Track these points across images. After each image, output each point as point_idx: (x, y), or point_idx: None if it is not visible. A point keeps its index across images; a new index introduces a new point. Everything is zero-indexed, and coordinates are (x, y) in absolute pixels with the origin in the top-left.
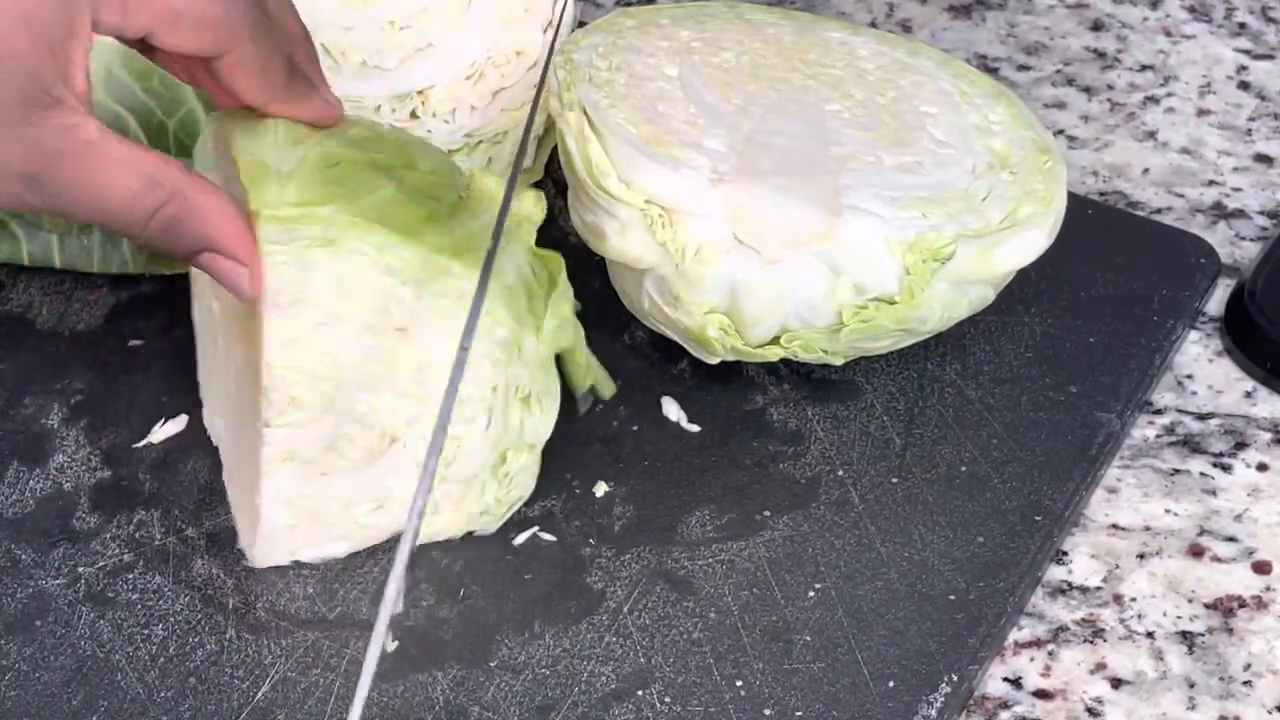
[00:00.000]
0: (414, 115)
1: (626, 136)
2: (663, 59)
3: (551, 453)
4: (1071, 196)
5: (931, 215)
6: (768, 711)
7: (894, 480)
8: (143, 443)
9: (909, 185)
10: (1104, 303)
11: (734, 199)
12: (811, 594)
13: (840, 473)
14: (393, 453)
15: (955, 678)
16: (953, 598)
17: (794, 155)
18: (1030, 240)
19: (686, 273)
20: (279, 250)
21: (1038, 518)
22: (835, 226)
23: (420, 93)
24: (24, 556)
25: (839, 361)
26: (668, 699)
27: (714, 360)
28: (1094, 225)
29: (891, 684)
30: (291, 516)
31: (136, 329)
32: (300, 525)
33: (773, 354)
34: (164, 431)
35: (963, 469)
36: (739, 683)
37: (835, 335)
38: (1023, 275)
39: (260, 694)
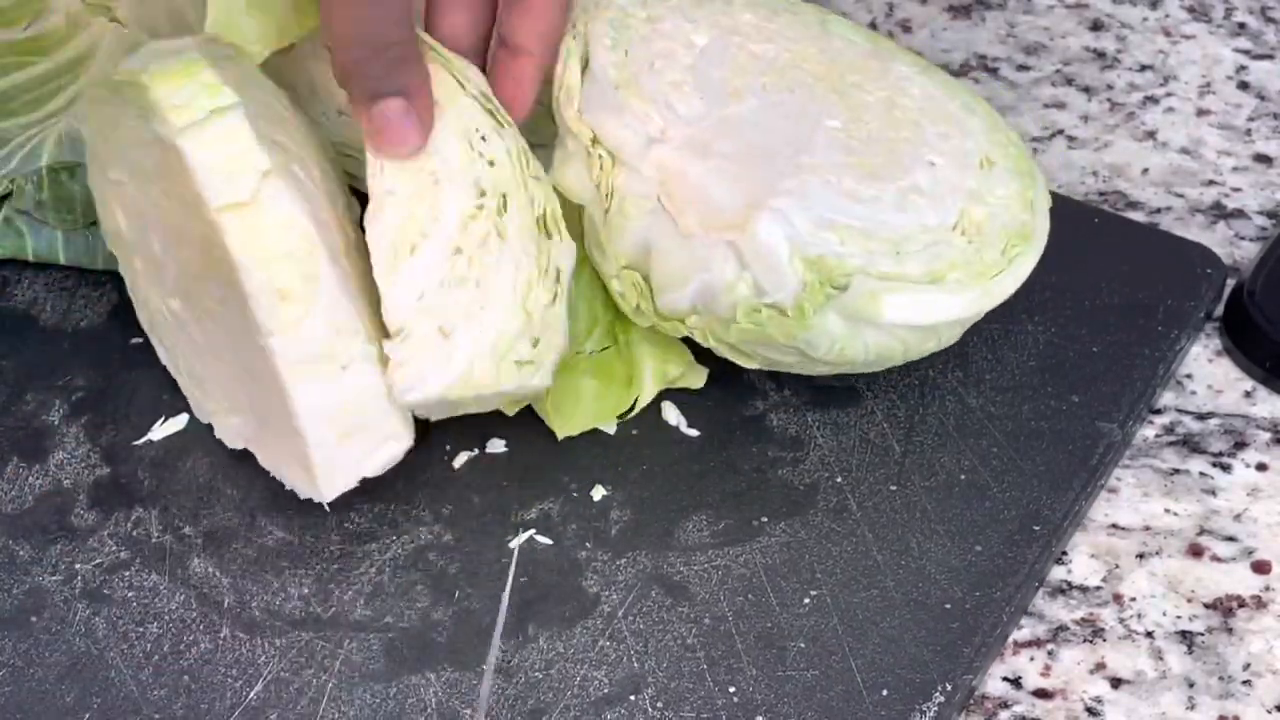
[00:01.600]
0: None
1: (604, 76)
2: (701, 28)
3: (549, 456)
4: (1077, 204)
5: (848, 244)
6: (760, 718)
7: (893, 488)
8: (142, 440)
9: (848, 212)
10: (1108, 312)
11: (667, 163)
12: (807, 601)
13: (839, 479)
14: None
15: (949, 687)
16: (949, 606)
17: (757, 148)
18: (931, 302)
19: (609, 221)
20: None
21: (1036, 527)
22: (749, 221)
23: None
24: (21, 552)
25: (748, 364)
26: (660, 704)
27: (644, 324)
28: (1099, 234)
29: (885, 692)
30: (334, 426)
31: (139, 327)
32: (351, 433)
33: (677, 330)
34: (164, 429)
35: (962, 477)
36: (732, 689)
37: (728, 327)
38: (1026, 283)
39: (253, 693)
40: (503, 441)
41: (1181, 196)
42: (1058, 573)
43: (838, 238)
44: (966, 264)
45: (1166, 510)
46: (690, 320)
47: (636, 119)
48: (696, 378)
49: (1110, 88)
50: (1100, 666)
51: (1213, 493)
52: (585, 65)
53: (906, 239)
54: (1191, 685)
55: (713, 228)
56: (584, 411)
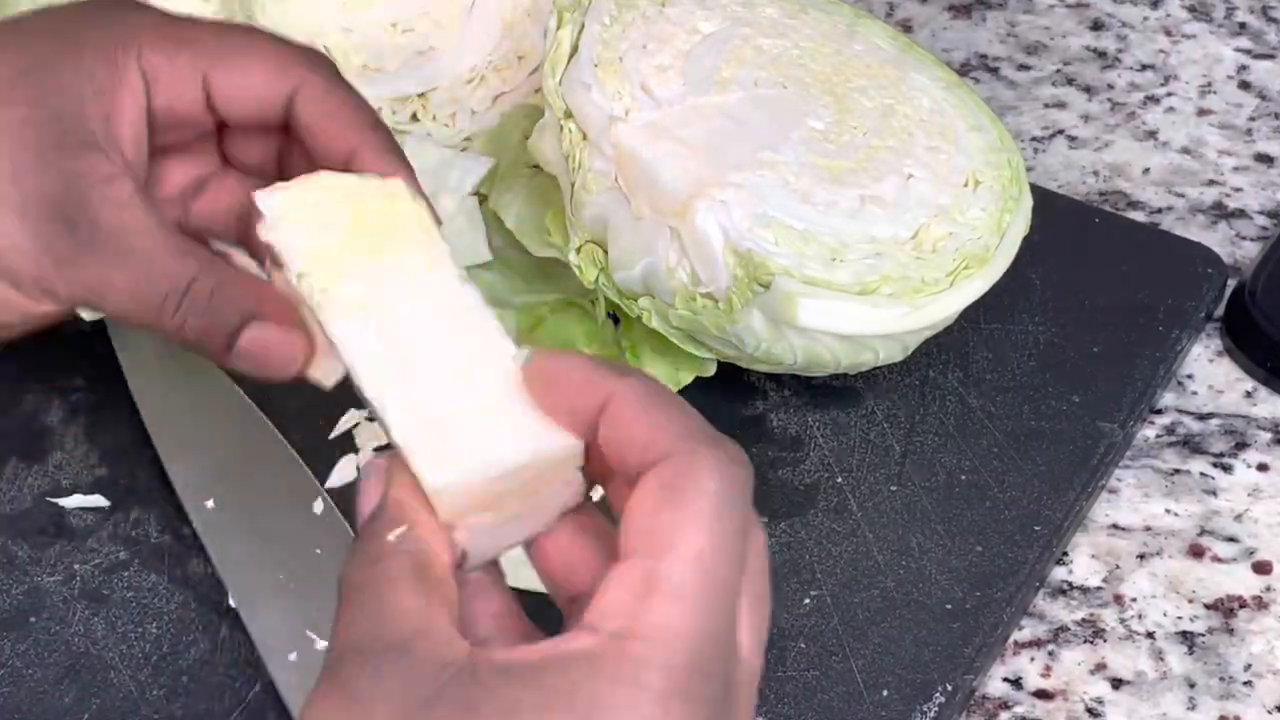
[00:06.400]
0: (414, 118)
1: (589, 53)
2: (714, 17)
3: None
4: (1077, 204)
5: (782, 244)
6: (760, 718)
7: (893, 488)
8: (142, 440)
9: (793, 212)
10: (1109, 312)
11: (623, 142)
12: (807, 601)
13: (839, 480)
14: None
15: (950, 687)
16: (949, 607)
17: (723, 139)
18: (851, 312)
19: (576, 194)
20: None
21: (1037, 527)
22: (690, 209)
23: (420, 96)
24: (20, 553)
25: (700, 351)
26: None
27: (610, 296)
28: (1099, 234)
29: (885, 693)
30: None
31: None
32: None
33: (632, 309)
34: None
35: (962, 477)
36: None
37: (667, 312)
38: (1027, 283)
39: (252, 694)
40: None
41: (1182, 196)
42: (1058, 573)
43: (773, 236)
44: (903, 279)
45: (1167, 511)
46: (642, 301)
47: (605, 97)
48: (707, 367)
49: (1111, 87)
50: (1101, 667)
51: (1213, 493)
52: (577, 41)
53: (847, 246)
54: (1192, 686)
55: (659, 212)
56: None
